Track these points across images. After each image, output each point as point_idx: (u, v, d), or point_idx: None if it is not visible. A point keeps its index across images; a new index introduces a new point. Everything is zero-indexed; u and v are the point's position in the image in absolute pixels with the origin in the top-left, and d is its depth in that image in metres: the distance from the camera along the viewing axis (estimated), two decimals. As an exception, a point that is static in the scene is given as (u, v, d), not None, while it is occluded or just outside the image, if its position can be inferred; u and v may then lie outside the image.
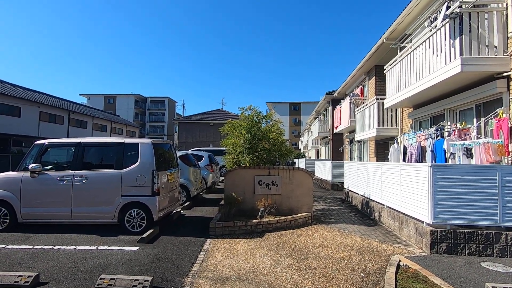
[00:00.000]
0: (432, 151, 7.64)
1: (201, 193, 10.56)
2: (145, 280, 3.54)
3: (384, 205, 7.11)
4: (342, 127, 17.20)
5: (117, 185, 5.71)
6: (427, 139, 8.21)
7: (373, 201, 7.93)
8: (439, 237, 4.88)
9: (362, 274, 4.03)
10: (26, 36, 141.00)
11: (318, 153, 32.90)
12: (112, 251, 4.84)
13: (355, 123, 14.68)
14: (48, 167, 6.04)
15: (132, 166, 5.80)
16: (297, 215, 6.85)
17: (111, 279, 3.55)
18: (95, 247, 5.00)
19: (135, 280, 3.54)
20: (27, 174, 5.81)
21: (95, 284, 3.51)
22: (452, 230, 4.88)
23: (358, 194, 9.54)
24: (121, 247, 5.01)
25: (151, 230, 5.58)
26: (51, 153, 6.25)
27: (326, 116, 24.41)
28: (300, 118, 64.40)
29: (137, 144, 5.94)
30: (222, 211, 6.60)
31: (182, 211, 7.95)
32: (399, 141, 10.49)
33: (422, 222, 5.24)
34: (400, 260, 4.43)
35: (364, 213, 8.37)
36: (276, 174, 7.20)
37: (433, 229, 4.91)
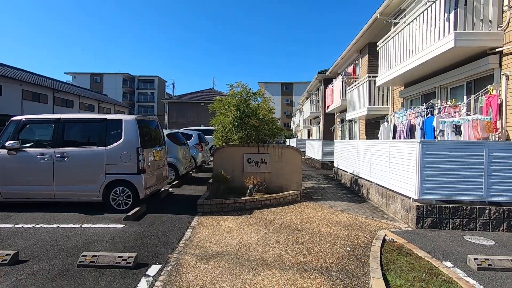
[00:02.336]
0: (421, 129, 7.64)
1: (190, 172, 10.47)
2: (129, 257, 3.47)
3: (372, 182, 7.16)
4: (334, 107, 17.11)
5: (101, 162, 5.53)
6: (417, 117, 8.19)
7: (362, 178, 7.98)
8: (424, 212, 4.94)
9: (348, 248, 4.06)
10: (5, 14, 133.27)
11: (309, 134, 32.98)
12: (97, 229, 4.75)
13: (347, 102, 14.59)
14: (27, 145, 5.78)
15: (116, 143, 5.60)
16: (286, 192, 6.85)
17: (93, 256, 3.46)
18: (79, 225, 4.89)
19: (119, 257, 3.47)
20: (5, 151, 5.56)
21: (77, 261, 3.43)
22: (437, 205, 4.93)
23: (347, 172, 9.60)
24: (106, 225, 4.92)
25: (137, 208, 5.49)
26: (30, 130, 5.97)
27: (318, 96, 24.23)
28: (292, 98, 63.99)
29: (120, 120, 5.71)
30: (210, 189, 6.53)
31: (170, 190, 7.87)
32: (389, 119, 10.49)
33: (409, 198, 5.28)
34: (386, 235, 4.48)
35: (352, 191, 8.46)
36: (265, 152, 7.11)
37: (419, 204, 4.96)
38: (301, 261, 3.66)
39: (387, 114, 10.95)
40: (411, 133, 8.29)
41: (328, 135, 20.60)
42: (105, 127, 5.67)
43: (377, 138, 11.59)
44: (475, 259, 3.52)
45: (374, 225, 5.11)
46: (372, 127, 13.46)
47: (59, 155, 5.55)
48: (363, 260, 3.68)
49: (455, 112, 6.89)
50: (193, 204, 6.10)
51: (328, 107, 19.02)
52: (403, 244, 4.08)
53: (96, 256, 3.46)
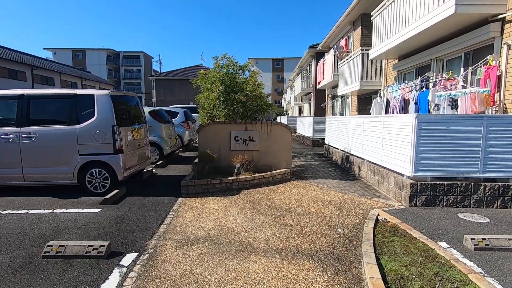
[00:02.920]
0: (415, 103, 7.35)
1: (176, 151, 10.06)
2: (101, 246, 3.15)
3: (364, 159, 6.94)
4: (325, 82, 16.64)
5: (73, 142, 5.07)
6: (411, 91, 7.88)
7: (353, 155, 7.76)
8: (418, 190, 4.74)
9: (339, 230, 3.83)
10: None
11: (300, 111, 32.59)
12: (70, 214, 4.39)
13: (338, 78, 14.14)
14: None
15: (89, 121, 5.11)
16: (275, 171, 6.57)
17: (60, 246, 3.13)
18: (50, 211, 4.52)
19: (89, 246, 3.14)
20: (-37, 132, 5.03)
21: (42, 252, 3.09)
22: (432, 182, 4.73)
23: (338, 149, 9.37)
24: (80, 210, 4.56)
25: (116, 191, 5.13)
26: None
27: (309, 72, 23.59)
28: (283, 75, 62.76)
29: (92, 96, 5.19)
30: (195, 168, 6.18)
31: (154, 170, 7.50)
32: (382, 94, 10.16)
33: (402, 175, 5.06)
34: (378, 214, 4.28)
35: (344, 168, 8.26)
36: (253, 129, 6.73)
37: (413, 182, 4.75)
38: (289, 245, 3.41)
39: (380, 89, 10.61)
40: (404, 108, 8.00)
41: (319, 112, 20.27)
42: (76, 103, 5.14)
43: (369, 114, 11.32)
44: (472, 239, 3.34)
45: (366, 204, 4.91)
46: (364, 103, 13.15)
47: (25, 135, 5.04)
48: (355, 243, 3.46)
49: (451, 85, 6.58)
50: (177, 185, 5.77)
51: (319, 83, 18.53)
52: (397, 224, 3.88)
53: (63, 245, 3.13)
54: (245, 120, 7.03)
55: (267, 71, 61.78)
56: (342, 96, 15.83)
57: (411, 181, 4.76)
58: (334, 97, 17.78)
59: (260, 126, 6.75)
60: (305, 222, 4.11)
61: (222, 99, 6.70)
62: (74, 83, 36.29)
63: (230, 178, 5.81)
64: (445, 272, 2.68)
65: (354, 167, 7.56)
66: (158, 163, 7.95)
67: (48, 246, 3.14)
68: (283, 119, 26.92)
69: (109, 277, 2.78)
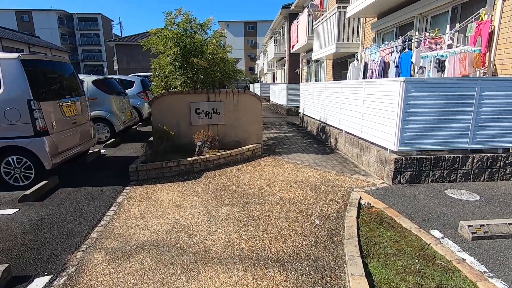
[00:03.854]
0: (396, 66, 6.68)
1: (134, 126, 8.91)
2: (-7, 272, 2.26)
3: (341, 130, 6.31)
4: (299, 46, 15.56)
5: (-25, 124, 3.89)
6: (391, 53, 7.17)
7: (330, 126, 7.12)
8: (403, 166, 4.19)
9: (316, 221, 3.20)
10: None
11: (274, 77, 31.40)
12: (-27, 219, 3.39)
13: (313, 40, 13.13)
14: None
15: (-6, 96, 3.90)
16: (244, 147, 5.78)
17: None
18: None
19: (-24, 273, 2.24)
20: None
21: None
22: (418, 156, 4.18)
23: (313, 118, 8.69)
24: (-11, 212, 3.56)
25: (43, 183, 4.11)
26: None
27: (283, 35, 22.17)
28: (256, 39, 59.84)
29: (-7, 61, 3.91)
30: (146, 149, 5.20)
31: (103, 151, 6.42)
32: (359, 57, 9.41)
33: (386, 149, 4.47)
34: (360, 198, 3.69)
35: (319, 139, 7.65)
36: (217, 99, 5.78)
37: (398, 157, 4.17)
38: (256, 248, 2.73)
39: (357, 52, 9.83)
40: (384, 72, 7.34)
41: (293, 78, 19.35)
42: (-28, 72, 3.87)
43: (345, 79, 10.64)
44: (469, 226, 2.83)
45: (345, 183, 4.32)
46: (340, 67, 12.40)
47: None
48: (335, 239, 2.84)
49: (436, 45, 5.92)
50: (128, 169, 4.83)
51: (293, 46, 17.39)
52: (383, 210, 3.31)
53: None
54: (207, 89, 6.02)
55: (239, 35, 58.65)
56: (317, 61, 14.95)
57: (396, 156, 4.18)
58: (308, 62, 16.85)
59: (225, 96, 5.80)
60: (276, 212, 3.43)
61: (177, 64, 5.58)
62: (20, 50, 31.97)
63: (190, 158, 4.95)
64: (449, 282, 2.13)
65: (330, 139, 6.95)
66: (108, 142, 6.84)
67: None
68: (256, 87, 25.76)
69: (-2, 322, 1.95)
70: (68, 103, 4.73)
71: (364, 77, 8.17)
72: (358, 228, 2.92)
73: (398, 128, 4.09)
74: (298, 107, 11.12)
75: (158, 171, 4.70)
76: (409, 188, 4.07)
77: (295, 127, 9.87)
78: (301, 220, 3.22)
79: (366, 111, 5.07)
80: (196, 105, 5.72)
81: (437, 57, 5.26)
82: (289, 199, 3.80)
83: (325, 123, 7.47)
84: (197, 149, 5.20)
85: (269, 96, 20.14)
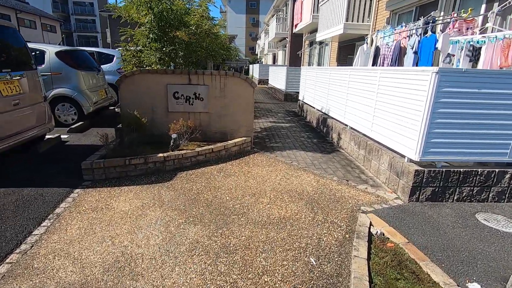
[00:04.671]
0: (415, 52, 5.69)
1: (112, 107, 7.91)
2: None
3: (346, 125, 5.40)
4: (303, 25, 14.30)
5: None
6: (409, 36, 6.16)
7: (333, 118, 6.19)
8: (424, 180, 3.33)
9: (312, 260, 2.36)
10: None
11: (275, 59, 29.95)
12: None
13: (318, 19, 11.92)
14: None
15: None
16: (231, 141, 4.87)
17: None
18: None
19: None
20: None
21: None
22: (444, 169, 3.32)
23: (314, 108, 7.74)
24: None
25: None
26: None
27: (286, 13, 20.66)
28: (259, 17, 57.22)
29: None
30: (106, 139, 4.25)
31: (65, 136, 5.47)
32: (369, 41, 8.35)
33: (403, 156, 3.60)
34: (371, 223, 2.84)
35: (319, 133, 6.74)
36: (200, 82, 4.80)
37: (419, 168, 3.30)
38: (224, 307, 1.89)
39: (367, 34, 8.74)
40: (398, 59, 6.35)
41: (295, 61, 18.14)
42: None
43: (351, 65, 9.61)
44: (525, 283, 2.01)
45: (350, 197, 3.47)
46: (346, 51, 11.30)
47: None
48: (338, 295, 2.01)
49: (467, 29, 4.92)
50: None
51: (296, 26, 16.09)
52: (402, 248, 2.47)
53: None
54: (189, 69, 5.03)
55: (241, 12, 56.07)
56: (320, 43, 13.77)
57: (416, 168, 3.31)
58: (311, 44, 15.63)
59: (209, 79, 4.81)
60: (259, 240, 2.59)
61: (153, 36, 4.54)
62: (6, 16, 30.01)
63: (161, 155, 4.04)
64: None
65: (332, 134, 6.05)
66: (74, 126, 5.87)
67: None
68: (255, 68, 24.47)
69: None
70: (7, 79, 3.73)
71: (374, 63, 7.18)
72: (370, 280, 2.08)
73: (422, 132, 3.20)
74: (298, 92, 10.13)
75: (120, 170, 3.81)
76: (430, 209, 3.23)
77: (293, 116, 8.93)
78: (292, 257, 2.38)
79: (380, 106, 4.14)
80: (175, 88, 4.75)
81: (471, 43, 4.28)
82: (279, 219, 2.95)
83: (327, 115, 6.54)
84: (171, 143, 4.28)
85: (268, 79, 18.98)
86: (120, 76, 4.61)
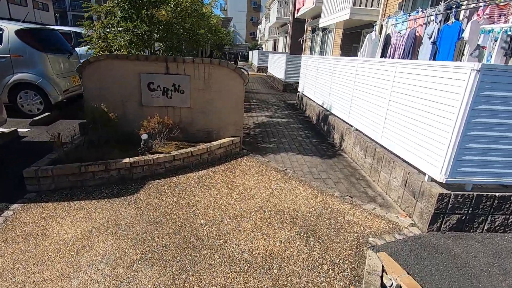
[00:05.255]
0: (434, 42, 4.92)
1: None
2: None
3: (351, 126, 4.68)
4: (305, 9, 13.34)
5: None
6: (426, 24, 5.37)
7: (335, 116, 5.46)
8: (450, 206, 2.65)
9: (305, 333, 1.70)
10: None
11: (275, 45, 28.82)
12: None
13: (322, 3, 10.99)
14: None
15: None
16: (216, 142, 4.15)
17: None
18: None
19: None
20: None
21: None
22: (475, 193, 2.63)
23: (315, 102, 7.00)
24: None
25: None
26: None
27: (288, -4, 19.50)
28: (260, 1, 55.27)
29: None
30: (57, 139, 3.50)
31: (24, 130, 4.72)
32: (377, 28, 7.53)
33: (422, 173, 2.91)
34: (383, 269, 2.18)
35: (320, 132, 6.03)
36: (180, 71, 4.03)
37: (445, 192, 2.62)
38: None
39: (376, 21, 7.88)
40: (412, 49, 5.58)
41: (295, 48, 17.20)
42: None
43: (355, 54, 8.80)
44: None
45: (355, 223, 2.79)
46: (351, 39, 10.44)
47: None
48: None
49: (500, 16, 4.15)
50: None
51: (298, 10, 15.10)
52: (428, 313, 1.82)
53: None
54: (165, 55, 4.26)
55: (242, -5, 54.09)
56: (324, 30, 12.85)
57: (441, 191, 2.62)
58: (314, 30, 14.68)
59: (191, 68, 4.04)
60: (235, 293, 1.92)
61: (122, 13, 3.72)
62: (-6, -9, 28.42)
63: (127, 160, 3.32)
64: None
65: (334, 134, 5.34)
66: (38, 117, 5.11)
67: None
68: (254, 54, 23.40)
69: None
70: None
71: (383, 54, 6.40)
72: None
73: (452, 146, 2.49)
74: (298, 83, 9.34)
75: (74, 179, 3.11)
76: (456, 243, 2.57)
77: (291, 110, 8.17)
78: (277, 325, 1.72)
79: (394, 108, 3.42)
80: (150, 77, 3.98)
81: (508, 32, 3.51)
82: (264, 256, 2.28)
83: (329, 112, 5.80)
84: (141, 145, 3.56)
85: (267, 67, 18.06)
86: (82, 62, 3.83)
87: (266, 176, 3.68)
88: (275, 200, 3.10)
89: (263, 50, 31.52)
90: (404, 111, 3.21)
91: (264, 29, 31.90)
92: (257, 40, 47.49)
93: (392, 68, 3.49)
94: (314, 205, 3.06)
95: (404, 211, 3.08)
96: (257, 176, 3.66)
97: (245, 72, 4.22)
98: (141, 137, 3.52)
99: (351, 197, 3.30)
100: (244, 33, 56.49)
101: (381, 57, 6.44)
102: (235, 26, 53.96)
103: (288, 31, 19.03)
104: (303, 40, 15.79)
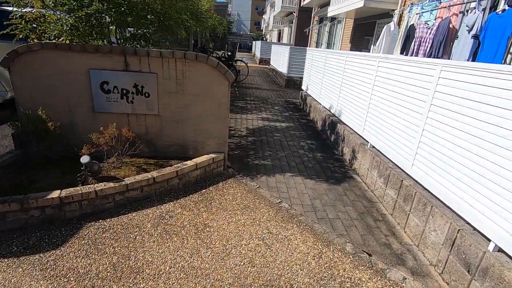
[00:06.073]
0: (475, 36, 3.88)
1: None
2: None
3: (367, 142, 3.68)
4: (313, -3, 12.13)
5: None
6: (464, 12, 4.34)
7: (346, 125, 4.46)
8: (531, 297, 1.68)
9: None
10: None
11: (280, 36, 27.49)
12: None
13: (332, -11, 9.81)
14: None
15: None
16: (191, 162, 3.17)
17: None
18: None
19: None
20: None
21: None
22: None
23: (320, 104, 5.98)
24: None
25: None
26: None
27: (294, -17, 18.17)
28: (266, -10, 53.31)
29: None
30: None
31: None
32: (396, 18, 6.47)
33: (485, 238, 1.93)
34: None
35: (325, 142, 5.03)
36: (144, 68, 3.04)
37: (527, 277, 1.64)
38: None
39: (395, 10, 6.77)
40: (443, 44, 4.53)
41: (301, 40, 16.01)
42: None
43: (367, 49, 7.72)
44: None
45: (378, 310, 1.84)
46: (363, 31, 9.28)
47: None
48: None
49: None
50: None
51: (305, -2, 13.87)
52: None
53: None
54: (122, 46, 3.26)
55: (247, -17, 52.24)
56: (332, 19, 11.67)
57: (520, 274, 1.65)
58: (321, 20, 13.47)
59: (159, 63, 3.04)
60: None
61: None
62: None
63: (55, 193, 2.36)
64: None
65: (344, 148, 4.34)
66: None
67: None
68: (257, 45, 22.19)
69: None
70: None
71: (403, 49, 5.34)
72: None
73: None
74: (301, 78, 8.29)
75: (-29, 223, 2.17)
76: None
77: (293, 110, 7.15)
78: None
79: (435, 129, 2.41)
80: (103, 75, 3.00)
81: None
82: None
83: (338, 119, 4.80)
84: (82, 169, 2.59)
85: (269, 58, 16.92)
86: (8, 53, 2.85)
87: (253, 213, 2.72)
88: (261, 262, 2.15)
89: (267, 40, 30.16)
90: (453, 136, 2.21)
91: (269, 18, 30.52)
92: (262, 30, 45.97)
93: (435, 73, 2.47)
94: (317, 272, 2.10)
95: (446, 280, 2.12)
96: (241, 214, 2.70)
97: (230, 72, 3.20)
98: (81, 160, 2.54)
99: (370, 255, 2.34)
100: (249, 22, 54.81)
101: (401, 53, 5.39)
102: (240, 15, 52.32)
103: (294, 21, 17.79)
104: (309, 31, 14.60)
